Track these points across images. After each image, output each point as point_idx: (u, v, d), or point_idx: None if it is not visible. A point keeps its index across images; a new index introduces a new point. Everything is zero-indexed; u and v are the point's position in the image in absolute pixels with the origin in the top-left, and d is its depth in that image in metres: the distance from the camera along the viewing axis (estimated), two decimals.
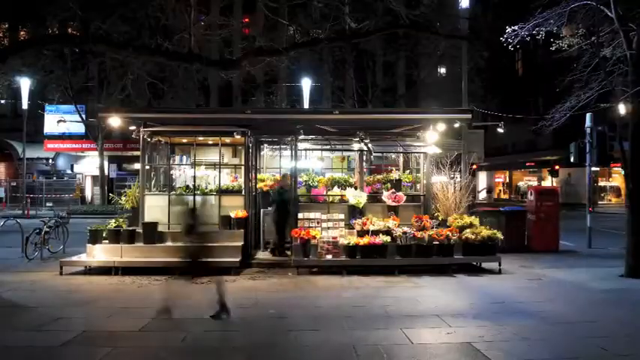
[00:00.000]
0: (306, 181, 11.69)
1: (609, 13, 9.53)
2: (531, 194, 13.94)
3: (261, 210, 11.74)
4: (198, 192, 11.01)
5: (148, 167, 11.34)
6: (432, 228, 10.32)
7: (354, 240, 9.87)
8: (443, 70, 34.19)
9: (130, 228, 10.50)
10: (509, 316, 6.93)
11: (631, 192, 9.69)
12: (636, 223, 9.54)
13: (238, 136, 10.99)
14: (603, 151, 13.36)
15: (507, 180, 46.73)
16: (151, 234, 10.21)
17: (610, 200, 35.54)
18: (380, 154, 13.14)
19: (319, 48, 19.43)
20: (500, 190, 47.12)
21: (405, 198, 11.00)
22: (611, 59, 10.44)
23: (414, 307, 7.42)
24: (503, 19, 12.12)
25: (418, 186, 12.07)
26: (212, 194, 11.06)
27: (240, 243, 10.31)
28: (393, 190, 11.14)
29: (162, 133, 11.37)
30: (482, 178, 46.21)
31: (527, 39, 10.69)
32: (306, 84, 26.31)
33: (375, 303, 7.61)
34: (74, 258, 10.22)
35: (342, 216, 10.71)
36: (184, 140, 11.94)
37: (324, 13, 11.69)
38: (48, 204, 29.80)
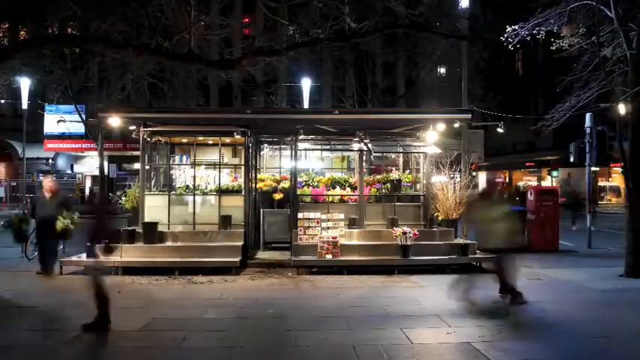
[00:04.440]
0: (306, 181, 11.69)
1: (609, 13, 9.53)
2: (531, 194, 13.93)
3: (261, 210, 11.74)
4: (198, 192, 11.02)
5: (147, 167, 11.35)
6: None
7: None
8: (443, 70, 34.12)
9: (130, 228, 10.51)
10: (509, 316, 6.93)
11: (631, 192, 9.70)
12: (636, 222, 9.54)
13: (238, 136, 10.99)
14: (603, 151, 13.34)
15: (507, 180, 46.73)
16: (151, 234, 10.22)
17: (610, 200, 35.52)
18: (380, 154, 13.10)
19: (319, 48, 19.37)
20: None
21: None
22: (611, 59, 10.44)
23: (413, 307, 7.42)
24: (503, 19, 12.11)
25: (418, 186, 12.07)
26: (212, 194, 11.06)
27: (240, 243, 10.33)
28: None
29: (162, 133, 11.37)
30: (483, 178, 46.16)
31: (528, 39, 10.70)
32: (306, 84, 26.24)
33: (375, 303, 7.61)
34: (74, 258, 10.20)
35: (342, 216, 10.71)
36: (184, 140, 11.94)
37: (324, 13, 11.65)
38: None
